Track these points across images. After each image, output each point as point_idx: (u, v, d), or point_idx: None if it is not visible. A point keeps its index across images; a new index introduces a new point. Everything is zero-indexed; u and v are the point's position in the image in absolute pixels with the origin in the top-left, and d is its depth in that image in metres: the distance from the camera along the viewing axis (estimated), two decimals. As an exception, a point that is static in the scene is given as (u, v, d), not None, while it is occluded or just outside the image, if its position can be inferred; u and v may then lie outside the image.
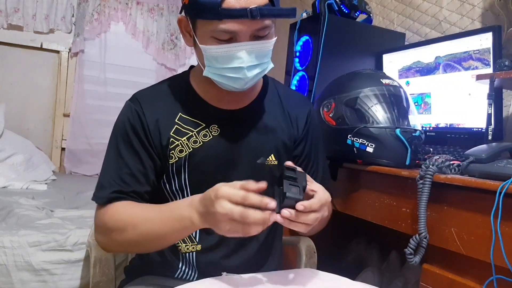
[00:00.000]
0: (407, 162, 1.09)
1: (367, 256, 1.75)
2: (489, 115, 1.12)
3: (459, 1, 1.62)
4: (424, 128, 1.44)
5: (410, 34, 1.84)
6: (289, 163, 0.73)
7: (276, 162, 0.95)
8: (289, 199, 0.70)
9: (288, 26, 1.75)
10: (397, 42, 1.74)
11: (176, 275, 0.94)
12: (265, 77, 1.01)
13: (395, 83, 1.19)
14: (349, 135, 1.14)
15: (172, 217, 0.80)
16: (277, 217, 0.70)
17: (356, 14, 1.67)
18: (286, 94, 1.03)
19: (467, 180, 0.87)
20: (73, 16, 3.09)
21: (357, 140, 1.13)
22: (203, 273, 0.90)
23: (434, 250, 0.97)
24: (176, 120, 0.91)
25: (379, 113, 1.13)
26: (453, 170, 0.95)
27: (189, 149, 0.90)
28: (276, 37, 0.86)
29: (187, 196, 0.90)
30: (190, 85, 0.95)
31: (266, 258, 1.00)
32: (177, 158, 0.90)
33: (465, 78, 1.32)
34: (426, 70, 1.47)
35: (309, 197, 0.74)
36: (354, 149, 1.13)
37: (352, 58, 1.64)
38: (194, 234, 0.92)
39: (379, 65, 1.66)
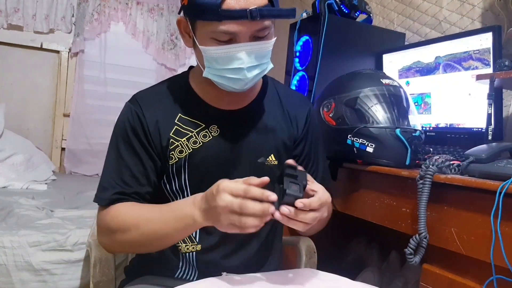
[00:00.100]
0: (407, 162, 1.09)
1: (367, 256, 1.75)
2: (489, 115, 1.12)
3: (459, 1, 1.62)
4: (424, 128, 1.44)
5: (410, 34, 1.84)
6: (290, 161, 0.73)
7: (276, 162, 0.95)
8: (289, 196, 0.71)
9: (288, 26, 1.75)
10: (397, 42, 1.74)
11: (176, 275, 0.94)
12: (264, 77, 1.01)
13: (395, 83, 1.19)
14: (349, 135, 1.14)
15: (174, 216, 0.80)
16: (276, 214, 0.71)
17: (356, 14, 1.67)
18: (285, 94, 1.03)
19: (467, 180, 0.87)
20: (73, 16, 3.09)
21: (357, 140, 1.13)
22: (203, 273, 0.90)
23: (434, 250, 0.97)
24: (175, 121, 0.91)
25: (379, 113, 1.13)
26: (453, 170, 0.95)
27: (189, 149, 0.90)
28: (275, 37, 0.86)
29: (187, 196, 0.90)
30: (190, 86, 0.95)
31: (266, 258, 1.00)
32: (177, 159, 0.90)
33: (465, 78, 1.32)
34: (426, 70, 1.47)
35: (309, 196, 0.74)
36: (354, 149, 1.13)
37: (352, 58, 1.64)
38: (194, 234, 0.92)
39: (379, 65, 1.66)
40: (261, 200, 0.70)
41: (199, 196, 0.78)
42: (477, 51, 1.28)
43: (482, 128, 1.24)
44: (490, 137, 1.11)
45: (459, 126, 1.35)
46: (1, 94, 2.93)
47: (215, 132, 0.91)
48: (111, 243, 0.89)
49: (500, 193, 0.79)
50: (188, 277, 0.94)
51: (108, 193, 0.87)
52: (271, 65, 0.88)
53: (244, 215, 0.70)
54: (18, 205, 1.85)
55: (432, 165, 0.94)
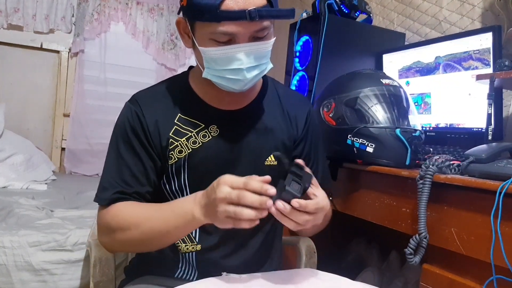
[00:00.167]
0: (407, 162, 1.09)
1: (367, 256, 1.75)
2: (489, 115, 1.12)
3: (459, 1, 1.62)
4: (424, 128, 1.44)
5: (410, 34, 1.84)
6: (299, 161, 0.73)
7: (275, 163, 0.95)
8: (287, 193, 0.71)
9: (288, 26, 1.75)
10: (397, 42, 1.74)
11: (176, 275, 0.94)
12: (264, 77, 1.01)
13: (395, 83, 1.19)
14: (349, 135, 1.14)
15: (175, 213, 0.80)
16: (271, 208, 0.70)
17: (356, 14, 1.67)
18: (285, 94, 1.03)
19: (467, 180, 0.87)
20: (73, 16, 3.09)
21: (357, 140, 1.13)
22: (203, 273, 0.90)
23: (434, 250, 0.97)
24: (175, 121, 0.91)
25: (379, 113, 1.13)
26: (453, 170, 0.95)
27: (189, 149, 0.90)
28: (275, 38, 0.86)
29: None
30: (189, 86, 0.95)
31: (266, 258, 1.00)
32: (176, 159, 0.90)
33: (465, 78, 1.32)
34: (426, 70, 1.47)
35: (309, 199, 0.74)
36: (354, 149, 1.13)
37: (352, 58, 1.64)
38: (194, 234, 0.92)
39: (379, 65, 1.66)
40: (260, 195, 0.70)
41: (200, 193, 0.79)
42: (477, 51, 1.28)
43: (482, 128, 1.24)
44: (490, 137, 1.11)
45: (459, 126, 1.35)
46: (1, 94, 2.93)
47: (214, 132, 0.91)
48: (111, 242, 0.89)
49: (500, 193, 0.79)
50: (188, 277, 0.94)
51: (108, 193, 0.87)
52: (270, 65, 0.88)
53: (241, 206, 0.70)
54: (18, 205, 1.85)
55: (432, 165, 0.94)
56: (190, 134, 0.90)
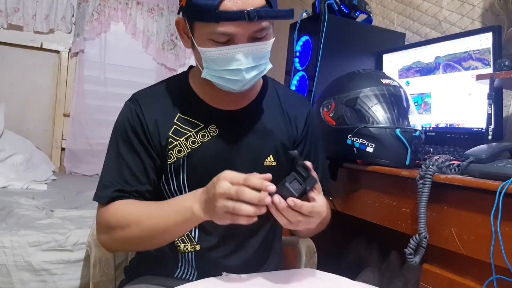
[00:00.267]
0: (407, 162, 1.09)
1: (367, 256, 1.75)
2: (489, 115, 1.12)
3: (459, 1, 1.62)
4: (424, 128, 1.44)
5: (410, 34, 1.84)
6: (308, 163, 0.73)
7: (275, 163, 0.95)
8: (286, 190, 0.71)
9: (288, 26, 1.75)
10: (397, 42, 1.74)
11: (175, 275, 0.94)
12: (264, 78, 1.01)
13: (395, 83, 1.19)
14: (349, 135, 1.14)
15: (174, 210, 0.80)
16: (270, 200, 0.70)
17: (356, 14, 1.67)
18: (285, 94, 1.02)
19: (467, 180, 0.87)
20: (73, 16, 3.09)
21: (357, 140, 1.13)
22: (202, 273, 0.90)
23: (434, 250, 0.97)
24: (174, 121, 0.91)
25: (379, 113, 1.13)
26: (453, 170, 0.95)
27: (188, 149, 0.90)
28: (274, 38, 0.86)
29: None
30: (189, 86, 0.95)
31: (266, 258, 1.00)
32: (175, 158, 0.90)
33: (465, 78, 1.32)
34: (426, 70, 1.47)
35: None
36: (354, 149, 1.13)
37: (352, 58, 1.64)
38: (193, 234, 0.92)
39: (379, 65, 1.66)
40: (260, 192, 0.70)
41: (200, 189, 0.79)
42: (477, 51, 1.28)
43: (482, 128, 1.24)
44: (490, 137, 1.11)
45: (459, 126, 1.35)
46: (1, 94, 2.93)
47: (214, 132, 0.91)
48: (111, 241, 0.88)
49: (500, 193, 0.79)
50: (187, 277, 0.94)
51: (108, 191, 0.87)
52: (270, 66, 0.87)
53: (240, 201, 0.70)
54: (18, 205, 1.85)
55: (432, 165, 0.94)
56: (190, 134, 0.90)
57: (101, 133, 3.07)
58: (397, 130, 1.09)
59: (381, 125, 1.11)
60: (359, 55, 1.66)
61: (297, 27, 1.68)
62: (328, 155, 1.20)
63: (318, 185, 0.76)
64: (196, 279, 0.91)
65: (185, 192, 0.91)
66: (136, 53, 3.28)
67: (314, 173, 0.74)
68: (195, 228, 0.92)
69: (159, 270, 0.95)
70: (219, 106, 0.93)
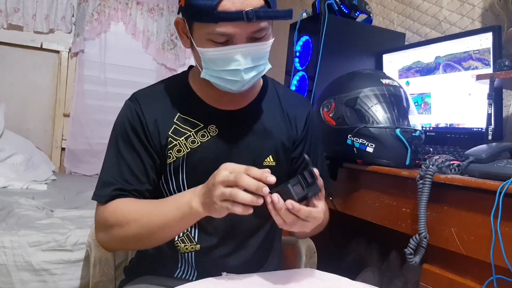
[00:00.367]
0: (407, 162, 1.09)
1: (367, 256, 1.75)
2: (489, 115, 1.12)
3: (459, 1, 1.62)
4: (424, 128, 1.44)
5: (410, 34, 1.84)
6: (316, 170, 0.73)
7: (274, 163, 0.95)
8: (287, 191, 0.71)
9: (288, 26, 1.75)
10: (397, 42, 1.74)
11: (175, 275, 0.94)
12: (264, 78, 1.01)
13: (395, 83, 1.19)
14: (349, 135, 1.14)
15: (173, 206, 0.80)
16: (267, 195, 0.70)
17: (356, 14, 1.67)
18: (285, 95, 1.02)
19: (467, 180, 0.87)
20: (73, 16, 3.09)
21: (357, 140, 1.13)
22: (202, 273, 0.90)
23: (434, 250, 0.97)
24: (174, 120, 0.91)
25: (379, 113, 1.13)
26: (453, 170, 0.95)
27: (187, 149, 0.90)
28: (273, 38, 0.86)
29: None
30: (189, 86, 0.95)
31: (266, 258, 1.00)
32: (175, 158, 0.90)
33: (465, 78, 1.32)
34: (426, 70, 1.47)
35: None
36: (354, 149, 1.13)
37: (352, 58, 1.64)
38: (193, 234, 0.92)
39: (379, 65, 1.66)
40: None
41: (201, 185, 0.78)
42: (477, 51, 1.28)
43: (482, 128, 1.24)
44: (490, 137, 1.11)
45: (459, 126, 1.35)
46: (1, 94, 2.93)
47: (213, 132, 0.91)
48: (109, 240, 0.88)
49: (500, 193, 0.79)
50: (187, 277, 0.94)
51: (107, 190, 0.87)
52: (269, 66, 0.87)
53: (238, 187, 0.70)
54: (18, 205, 1.85)
55: (432, 165, 0.94)
56: (189, 133, 0.90)
57: (101, 133, 3.07)
58: (397, 130, 1.09)
59: (381, 125, 1.11)
60: (359, 55, 1.66)
61: (297, 27, 1.68)
62: (328, 155, 1.20)
63: (322, 193, 0.76)
64: (196, 279, 0.91)
65: (185, 192, 0.91)
66: (136, 53, 3.28)
67: (320, 181, 0.74)
68: (195, 228, 0.92)
69: (159, 270, 0.95)
70: (219, 106, 0.93)
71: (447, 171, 0.95)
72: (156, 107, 0.91)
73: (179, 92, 0.94)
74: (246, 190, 0.70)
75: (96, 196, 0.89)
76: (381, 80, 1.17)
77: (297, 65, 1.69)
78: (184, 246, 0.92)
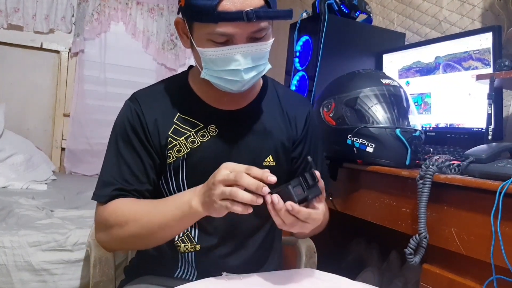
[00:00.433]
0: (407, 162, 1.09)
1: (367, 256, 1.75)
2: (489, 115, 1.12)
3: (459, 1, 1.62)
4: (424, 128, 1.44)
5: (410, 34, 1.84)
6: (317, 173, 0.73)
7: (274, 163, 0.95)
8: (287, 192, 0.71)
9: (288, 26, 1.75)
10: (397, 42, 1.74)
11: (175, 275, 0.94)
12: (264, 78, 1.01)
13: (395, 83, 1.19)
14: (349, 135, 1.14)
15: (173, 205, 0.81)
16: (267, 197, 0.70)
17: (356, 14, 1.67)
18: (285, 95, 1.02)
19: (467, 180, 0.87)
20: (73, 16, 3.09)
21: (357, 140, 1.13)
22: (202, 273, 0.90)
23: (434, 250, 0.97)
24: (174, 120, 0.91)
25: (379, 113, 1.13)
26: (453, 170, 0.95)
27: (187, 149, 0.90)
28: (273, 38, 0.86)
29: None
30: (189, 86, 0.95)
31: (266, 258, 1.00)
32: (175, 158, 0.90)
33: (465, 78, 1.32)
34: (426, 70, 1.47)
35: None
36: (354, 149, 1.13)
37: (352, 58, 1.64)
38: (193, 234, 0.92)
39: (379, 65, 1.66)
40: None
41: (201, 185, 0.79)
42: (477, 51, 1.28)
43: (482, 128, 1.24)
44: (490, 137, 1.11)
45: (459, 126, 1.35)
46: (1, 94, 2.93)
47: (213, 132, 0.91)
48: (109, 240, 0.88)
49: (500, 193, 0.79)
50: (187, 277, 0.94)
51: (107, 190, 0.87)
52: (269, 66, 0.87)
53: (238, 185, 0.70)
54: (18, 205, 1.85)
55: (432, 165, 0.94)
56: (189, 133, 0.90)
57: (101, 133, 3.07)
58: (397, 130, 1.09)
59: (381, 125, 1.11)
60: (359, 55, 1.66)
61: (297, 27, 1.68)
62: (328, 155, 1.20)
63: (322, 195, 0.76)
64: (196, 279, 0.91)
65: (185, 192, 0.91)
66: (136, 53, 3.28)
67: (321, 184, 0.74)
68: (195, 228, 0.92)
69: (159, 270, 0.95)
70: (219, 106, 0.93)
71: (447, 171, 0.95)
72: (156, 107, 0.91)
73: (179, 92, 0.94)
74: (246, 190, 0.70)
75: (96, 196, 0.89)
76: (381, 80, 1.17)
77: (297, 65, 1.69)
78: (184, 246, 0.92)
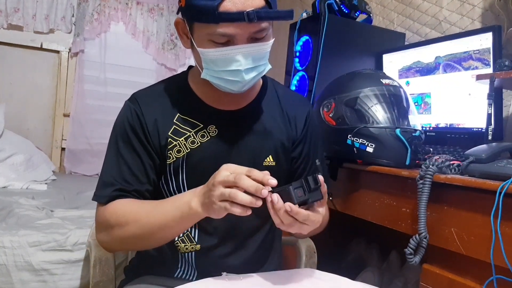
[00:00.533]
0: (407, 162, 1.09)
1: (367, 256, 1.75)
2: (489, 115, 1.12)
3: (459, 1, 1.62)
4: (424, 128, 1.44)
5: (410, 34, 1.84)
6: (320, 178, 0.73)
7: (274, 163, 0.95)
8: (287, 193, 0.71)
9: (288, 26, 1.75)
10: (397, 42, 1.74)
11: (175, 275, 0.94)
12: (264, 78, 1.01)
13: (395, 83, 1.19)
14: (349, 135, 1.14)
15: (173, 206, 0.81)
16: (267, 195, 0.70)
17: (356, 14, 1.67)
18: (285, 95, 1.02)
19: (467, 180, 0.87)
20: (73, 16, 3.09)
21: (357, 140, 1.13)
22: (202, 273, 0.90)
23: (434, 250, 0.97)
24: (174, 121, 0.91)
25: (379, 113, 1.13)
26: (453, 170, 0.95)
27: (187, 149, 0.90)
28: (273, 39, 0.86)
29: None
30: (189, 86, 0.95)
31: (266, 258, 1.00)
32: (174, 158, 0.90)
33: (465, 78, 1.32)
34: (426, 70, 1.47)
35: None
36: (354, 149, 1.13)
37: (352, 58, 1.64)
38: (193, 234, 0.92)
39: (379, 65, 1.66)
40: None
41: (201, 186, 0.79)
42: (477, 51, 1.28)
43: (482, 128, 1.24)
44: (490, 137, 1.11)
45: (459, 126, 1.35)
46: (1, 94, 2.93)
47: (213, 132, 0.91)
48: (110, 240, 0.88)
49: (500, 193, 0.79)
50: (187, 277, 0.94)
51: (108, 191, 0.87)
52: (269, 66, 0.87)
53: (237, 187, 0.70)
54: (18, 205, 1.85)
55: (432, 165, 0.94)
56: (189, 134, 0.90)
57: (101, 133, 3.07)
58: (397, 130, 1.09)
59: (381, 125, 1.11)
60: (359, 55, 1.66)
61: (297, 27, 1.68)
62: (328, 155, 1.20)
63: (324, 200, 0.76)
64: (196, 279, 0.91)
65: (185, 192, 0.91)
66: (136, 53, 3.28)
67: (324, 189, 0.74)
68: (195, 228, 0.92)
69: (159, 270, 0.95)
70: (219, 106, 0.93)
71: (447, 171, 0.95)
72: (156, 107, 0.91)
73: (178, 92, 0.94)
74: (246, 192, 0.70)
75: (97, 197, 0.89)
76: (381, 80, 1.17)
77: (297, 65, 1.68)
78: (184, 246, 0.92)
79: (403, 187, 1.05)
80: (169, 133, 0.90)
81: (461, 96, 1.34)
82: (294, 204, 0.71)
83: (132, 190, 0.88)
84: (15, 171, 2.45)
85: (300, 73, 1.67)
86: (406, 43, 1.78)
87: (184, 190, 0.91)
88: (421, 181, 0.95)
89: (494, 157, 0.90)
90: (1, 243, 1.41)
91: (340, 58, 1.61)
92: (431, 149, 1.25)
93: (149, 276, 0.96)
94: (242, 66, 0.81)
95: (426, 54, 1.46)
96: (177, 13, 0.87)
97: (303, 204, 0.72)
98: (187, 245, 0.92)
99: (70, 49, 3.10)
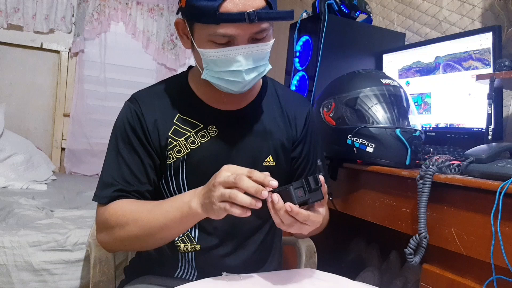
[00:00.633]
0: (407, 162, 1.09)
1: (367, 256, 1.75)
2: (489, 115, 1.12)
3: (459, 1, 1.62)
4: (424, 128, 1.44)
5: (410, 34, 1.84)
6: (321, 178, 0.73)
7: (274, 163, 0.95)
8: (287, 193, 0.71)
9: (288, 26, 1.75)
10: (397, 42, 1.74)
11: (175, 275, 0.94)
12: (264, 78, 1.01)
13: (395, 83, 1.19)
14: (349, 135, 1.14)
15: (173, 206, 0.81)
16: (267, 194, 0.70)
17: (356, 14, 1.67)
18: (285, 95, 1.02)
19: (467, 180, 0.87)
20: (73, 16, 3.09)
21: (357, 140, 1.13)
22: (202, 273, 0.90)
23: (434, 250, 0.97)
24: (174, 121, 0.91)
25: (379, 113, 1.13)
26: (453, 170, 0.96)
27: (187, 149, 0.90)
28: (274, 39, 0.86)
29: None
30: (189, 86, 0.95)
31: (266, 258, 1.00)
32: (175, 159, 0.90)
33: (465, 78, 1.32)
34: (426, 70, 1.47)
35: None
36: (354, 149, 1.13)
37: (352, 58, 1.64)
38: (193, 234, 0.92)
39: (379, 65, 1.66)
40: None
41: (201, 186, 0.79)
42: (477, 51, 1.28)
43: (482, 128, 1.24)
44: (490, 137, 1.11)
45: (459, 126, 1.35)
46: (1, 94, 2.93)
47: (213, 132, 0.91)
48: (110, 241, 0.88)
49: (500, 193, 0.79)
50: (187, 277, 0.94)
51: (108, 191, 0.87)
52: (269, 67, 0.88)
53: (237, 188, 0.70)
54: (18, 205, 1.85)
55: (432, 165, 0.94)
56: (189, 134, 0.90)
57: (101, 133, 3.07)
58: (397, 130, 1.09)
59: (381, 125, 1.12)
60: (359, 55, 1.66)
61: (297, 27, 1.68)
62: (328, 155, 1.20)
63: (324, 200, 0.76)
64: (196, 279, 0.92)
65: (185, 193, 0.91)
66: (136, 53, 3.28)
67: (325, 189, 0.74)
68: (195, 228, 0.92)
69: (159, 270, 0.96)
70: (219, 107, 0.93)
71: (447, 171, 0.95)
72: (156, 107, 0.91)
73: (178, 92, 0.94)
74: (246, 193, 0.70)
75: (97, 197, 0.89)
76: (381, 80, 1.17)
77: (297, 65, 1.69)
78: (184, 246, 0.92)
79: (403, 187, 1.05)
80: (169, 133, 0.90)
81: (461, 96, 1.34)
82: (295, 204, 0.70)
83: (132, 191, 0.88)
84: (15, 171, 2.45)
85: (300, 73, 1.67)
86: (406, 43, 1.78)
87: (184, 190, 0.91)
88: (421, 181, 0.95)
89: (494, 157, 0.90)
90: (1, 243, 1.41)
91: (340, 58, 1.61)
92: (431, 149, 1.25)
93: (149, 276, 0.96)
94: (243, 66, 0.81)
95: (426, 54, 1.46)
96: (177, 13, 0.86)
97: (303, 204, 0.72)
98: (187, 245, 0.92)
99: (70, 49, 3.10)
